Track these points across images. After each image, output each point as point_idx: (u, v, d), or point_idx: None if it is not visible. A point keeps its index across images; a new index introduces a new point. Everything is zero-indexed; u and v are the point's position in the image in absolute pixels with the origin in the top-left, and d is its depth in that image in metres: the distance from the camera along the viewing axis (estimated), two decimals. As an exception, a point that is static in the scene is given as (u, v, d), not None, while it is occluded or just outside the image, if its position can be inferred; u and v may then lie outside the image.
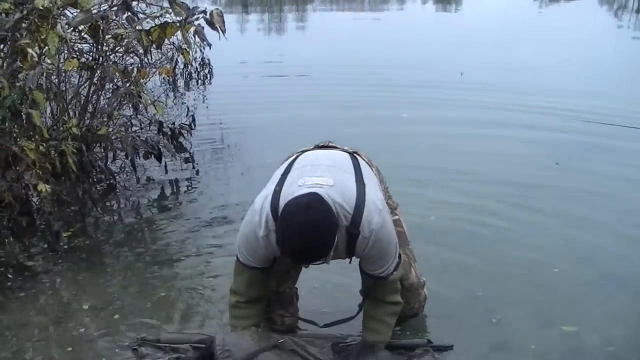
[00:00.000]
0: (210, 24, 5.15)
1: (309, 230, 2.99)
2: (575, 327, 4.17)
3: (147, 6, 6.00)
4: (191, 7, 5.29)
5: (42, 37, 4.91)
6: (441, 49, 14.54)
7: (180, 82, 10.99)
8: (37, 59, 4.87)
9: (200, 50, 10.58)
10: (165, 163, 6.85)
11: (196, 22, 5.30)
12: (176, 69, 10.60)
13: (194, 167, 7.11)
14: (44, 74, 5.12)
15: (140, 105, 6.19)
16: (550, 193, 6.45)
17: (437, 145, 7.71)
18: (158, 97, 7.73)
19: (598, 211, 5.99)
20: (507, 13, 21.54)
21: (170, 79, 10.38)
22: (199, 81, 11.20)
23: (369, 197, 3.27)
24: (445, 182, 6.55)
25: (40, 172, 4.91)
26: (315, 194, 3.11)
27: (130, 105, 6.15)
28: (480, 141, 8.03)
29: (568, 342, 4.04)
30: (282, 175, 3.44)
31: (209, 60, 11.10)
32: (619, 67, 12.34)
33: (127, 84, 5.71)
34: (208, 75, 11.26)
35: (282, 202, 3.17)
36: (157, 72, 6.92)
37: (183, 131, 6.82)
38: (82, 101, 6.21)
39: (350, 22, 20.71)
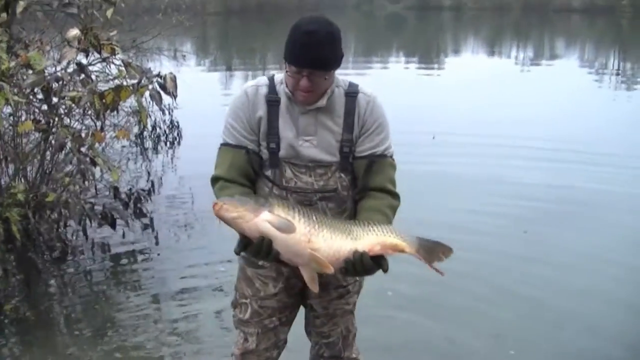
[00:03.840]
0: (163, 87, 5.01)
1: (320, 22, 3.03)
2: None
3: (104, 67, 5.85)
4: (146, 71, 5.13)
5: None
6: (417, 110, 14.51)
7: (149, 145, 10.80)
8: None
9: (169, 113, 10.48)
10: (124, 231, 6.63)
11: (151, 86, 5.13)
12: (144, 132, 10.50)
13: (154, 234, 6.87)
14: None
15: (93, 171, 5.97)
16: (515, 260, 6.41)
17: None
18: (119, 161, 7.54)
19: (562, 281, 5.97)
20: (488, 75, 21.76)
21: (138, 141, 10.22)
22: (168, 143, 11.00)
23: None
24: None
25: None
26: None
27: (79, 171, 5.93)
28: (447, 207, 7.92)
29: None
30: None
31: (177, 122, 10.95)
32: (598, 130, 12.35)
33: (79, 149, 5.51)
34: (177, 138, 11.08)
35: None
36: (116, 135, 6.71)
37: (142, 197, 6.60)
38: (38, 165, 6.01)
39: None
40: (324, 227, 2.89)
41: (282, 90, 3.16)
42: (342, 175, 3.21)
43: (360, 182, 3.24)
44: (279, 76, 3.22)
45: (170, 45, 12.52)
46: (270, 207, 2.85)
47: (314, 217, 2.91)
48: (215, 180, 3.25)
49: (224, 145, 3.23)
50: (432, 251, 3.01)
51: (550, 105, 15.39)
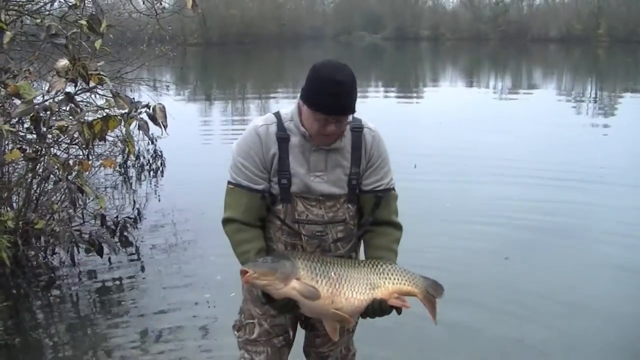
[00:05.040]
0: (153, 118, 5.08)
1: (344, 70, 3.14)
2: None
3: (89, 97, 5.91)
4: (135, 101, 5.20)
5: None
6: (397, 139, 14.60)
7: (133, 174, 10.85)
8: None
9: (152, 142, 10.53)
10: (109, 258, 6.67)
11: (139, 116, 5.20)
12: (128, 161, 10.55)
13: (141, 263, 6.93)
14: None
15: (81, 199, 6.02)
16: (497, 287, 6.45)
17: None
18: (106, 189, 7.59)
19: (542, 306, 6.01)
20: (467, 104, 22.01)
21: (122, 171, 10.27)
22: (151, 172, 11.06)
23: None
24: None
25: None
26: None
27: (68, 200, 5.98)
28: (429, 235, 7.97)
29: None
30: None
31: (161, 152, 11.02)
32: (576, 157, 12.47)
33: (67, 177, 5.57)
34: (161, 167, 11.15)
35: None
36: (101, 164, 6.77)
37: (127, 225, 6.65)
38: (25, 193, 6.06)
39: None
40: (344, 285, 3.08)
41: (292, 127, 3.27)
42: (349, 205, 3.40)
43: (367, 215, 3.43)
44: (285, 112, 3.34)
45: (150, 76, 12.57)
46: (297, 273, 3.00)
47: (333, 274, 3.08)
48: (229, 221, 3.33)
49: (238, 186, 3.31)
50: (435, 290, 3.28)
51: (529, 133, 15.56)
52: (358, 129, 3.35)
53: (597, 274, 6.89)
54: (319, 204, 3.31)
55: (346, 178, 3.34)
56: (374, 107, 21.30)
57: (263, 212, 3.33)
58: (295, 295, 3.00)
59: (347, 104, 3.14)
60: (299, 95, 3.26)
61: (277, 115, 3.34)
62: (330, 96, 3.09)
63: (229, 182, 3.35)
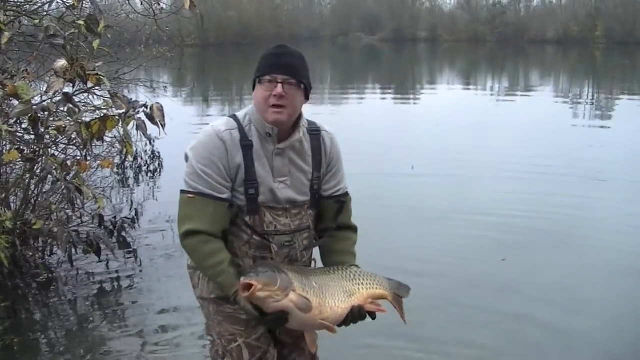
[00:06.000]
0: (151, 118, 5.07)
1: (290, 47, 3.21)
2: None
3: (87, 97, 5.91)
4: (132, 101, 5.20)
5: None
6: (395, 140, 14.61)
7: (130, 175, 10.85)
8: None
9: (150, 143, 10.53)
10: (107, 259, 6.67)
11: (137, 116, 5.20)
12: (125, 162, 10.54)
13: (138, 264, 6.92)
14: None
15: (79, 199, 6.03)
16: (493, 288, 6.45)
17: (381, 234, 7.60)
18: (104, 190, 7.59)
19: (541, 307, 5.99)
20: (464, 106, 22.05)
21: (120, 172, 10.27)
22: (149, 174, 11.06)
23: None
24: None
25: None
26: None
27: (66, 200, 5.99)
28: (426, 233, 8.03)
29: None
30: None
31: (159, 153, 11.02)
32: (572, 158, 12.47)
33: (65, 177, 5.58)
34: (158, 168, 11.15)
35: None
36: (99, 165, 6.78)
37: (125, 225, 6.66)
38: (23, 193, 6.06)
39: (309, 116, 20.76)
40: (327, 295, 3.06)
41: (252, 131, 3.16)
42: (311, 212, 3.35)
43: (330, 221, 3.41)
44: (242, 115, 3.22)
45: (147, 77, 12.56)
46: (293, 286, 2.94)
47: (314, 284, 3.05)
48: (193, 233, 3.10)
49: (199, 195, 3.09)
50: (401, 290, 3.38)
51: (526, 134, 15.56)
52: (316, 132, 3.31)
53: (594, 274, 6.88)
54: (285, 213, 3.22)
55: (309, 183, 3.29)
56: (371, 109, 21.34)
57: (227, 224, 3.17)
58: (291, 308, 2.92)
59: (290, 64, 3.12)
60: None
61: (236, 119, 3.20)
62: (271, 57, 3.14)
63: (186, 192, 3.14)
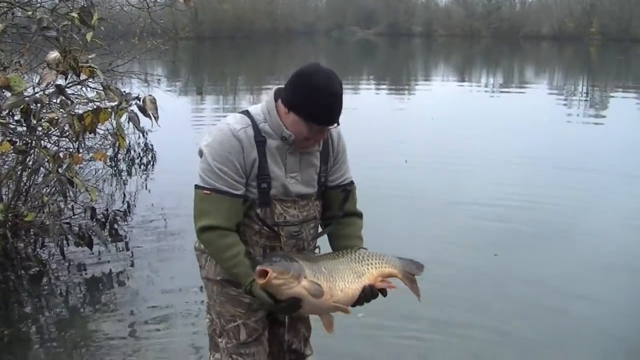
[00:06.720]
0: (143, 110, 5.06)
1: (335, 80, 3.15)
2: None
3: (79, 90, 5.89)
4: (125, 93, 5.18)
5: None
6: (389, 134, 14.61)
7: (123, 167, 10.83)
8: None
9: (143, 136, 10.51)
10: (99, 251, 6.66)
11: (130, 109, 5.19)
12: (118, 154, 10.52)
13: (130, 256, 6.92)
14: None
15: (72, 191, 6.01)
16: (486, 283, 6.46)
17: (375, 228, 7.59)
18: (96, 183, 7.57)
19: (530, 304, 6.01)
20: (458, 100, 22.11)
21: (112, 164, 10.25)
22: (142, 166, 11.04)
23: None
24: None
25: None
26: None
27: (59, 192, 5.97)
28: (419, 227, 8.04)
29: None
30: None
31: (152, 145, 11.01)
32: (567, 152, 12.50)
33: (57, 170, 5.56)
34: (151, 161, 11.13)
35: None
36: (91, 157, 6.76)
37: (118, 218, 6.64)
38: (15, 185, 6.04)
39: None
40: (337, 278, 3.14)
41: (267, 129, 3.21)
42: (318, 202, 3.45)
43: (337, 210, 3.49)
44: (255, 113, 3.26)
45: (141, 69, 12.54)
46: (304, 273, 3.03)
47: (324, 269, 3.14)
48: (210, 229, 3.19)
49: (216, 191, 3.17)
50: (412, 267, 3.42)
51: (520, 129, 15.61)
52: None
53: (589, 270, 6.91)
54: (294, 205, 3.32)
55: (317, 177, 3.38)
56: (366, 102, 21.32)
57: (241, 217, 3.26)
58: (304, 294, 3.02)
59: (340, 114, 3.17)
60: (272, 91, 3.25)
61: (249, 116, 3.25)
62: (327, 108, 3.11)
63: (202, 187, 3.20)
